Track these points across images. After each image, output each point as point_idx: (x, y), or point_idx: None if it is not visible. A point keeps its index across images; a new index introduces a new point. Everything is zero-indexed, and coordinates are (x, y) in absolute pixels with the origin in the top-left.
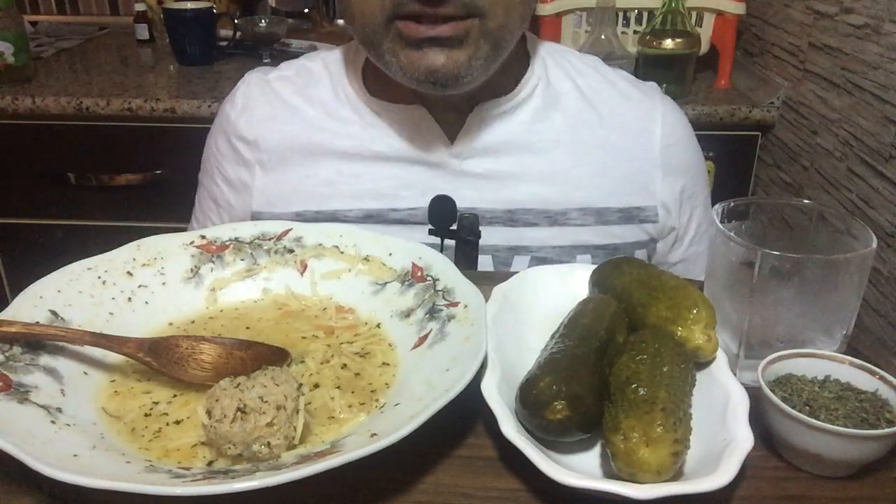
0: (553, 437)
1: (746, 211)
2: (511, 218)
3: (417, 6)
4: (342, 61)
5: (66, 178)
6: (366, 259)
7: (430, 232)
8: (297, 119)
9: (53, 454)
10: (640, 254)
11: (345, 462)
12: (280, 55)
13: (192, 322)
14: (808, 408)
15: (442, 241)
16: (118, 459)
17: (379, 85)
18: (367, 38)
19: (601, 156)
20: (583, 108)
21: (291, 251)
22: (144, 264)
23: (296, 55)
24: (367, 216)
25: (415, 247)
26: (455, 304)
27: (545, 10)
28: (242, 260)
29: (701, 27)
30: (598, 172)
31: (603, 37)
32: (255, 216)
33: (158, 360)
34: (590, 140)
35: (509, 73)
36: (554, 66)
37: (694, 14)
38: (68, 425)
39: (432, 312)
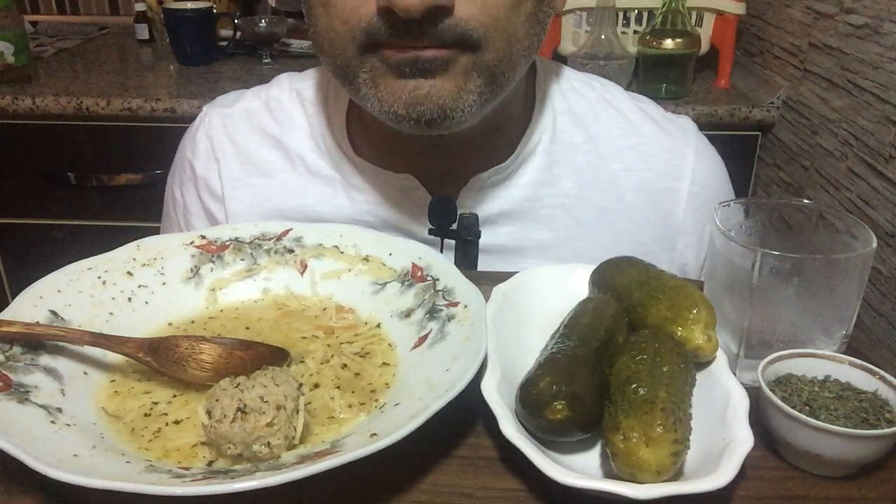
0: (553, 437)
1: (746, 211)
2: None
3: (394, 38)
4: (320, 100)
5: (66, 178)
6: (366, 259)
7: (430, 232)
8: (272, 179)
9: (53, 454)
10: None
11: (345, 462)
12: (280, 55)
13: (192, 322)
14: (808, 408)
15: (442, 241)
16: (118, 459)
17: (365, 143)
18: (339, 71)
19: (612, 221)
20: (594, 164)
21: (291, 251)
22: (144, 264)
23: (296, 55)
24: None
25: (415, 247)
26: (455, 304)
27: None
28: (242, 260)
29: (701, 27)
30: (607, 242)
31: (603, 37)
32: None
33: (158, 360)
34: (600, 203)
35: (510, 133)
36: (564, 113)
37: (694, 14)
38: (68, 425)
39: (432, 312)
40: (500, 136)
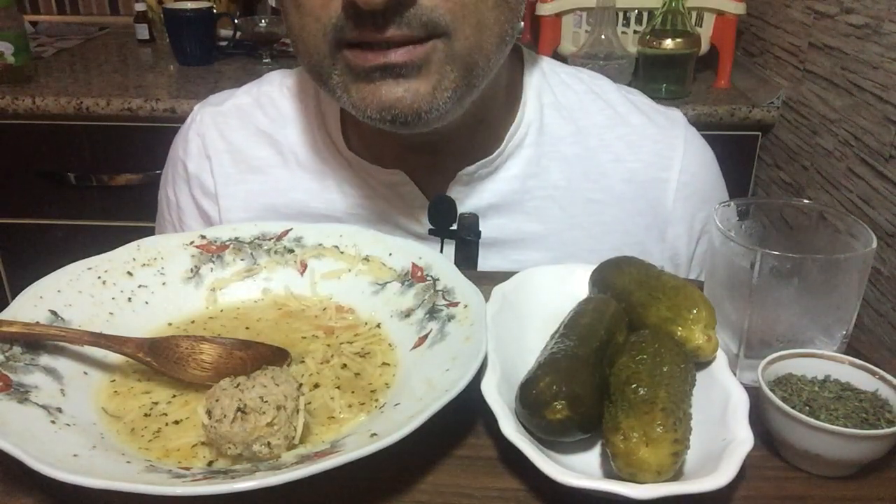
0: (553, 437)
1: (746, 211)
2: None
3: (362, 31)
4: (313, 96)
5: (66, 178)
6: (366, 259)
7: (430, 232)
8: (265, 175)
9: (53, 454)
10: None
11: (345, 462)
12: (280, 55)
13: (192, 322)
14: (808, 408)
15: (442, 241)
16: (118, 459)
17: (356, 138)
18: (314, 71)
19: (601, 212)
20: (583, 156)
21: (291, 251)
22: (144, 264)
23: (295, 55)
24: None
25: (415, 247)
26: (455, 304)
27: (545, 10)
28: (242, 260)
29: (701, 27)
30: (597, 233)
31: (603, 37)
32: None
33: (158, 360)
34: (589, 194)
35: (497, 125)
36: (552, 106)
37: (694, 14)
38: (68, 425)
39: (432, 312)
40: (485, 130)
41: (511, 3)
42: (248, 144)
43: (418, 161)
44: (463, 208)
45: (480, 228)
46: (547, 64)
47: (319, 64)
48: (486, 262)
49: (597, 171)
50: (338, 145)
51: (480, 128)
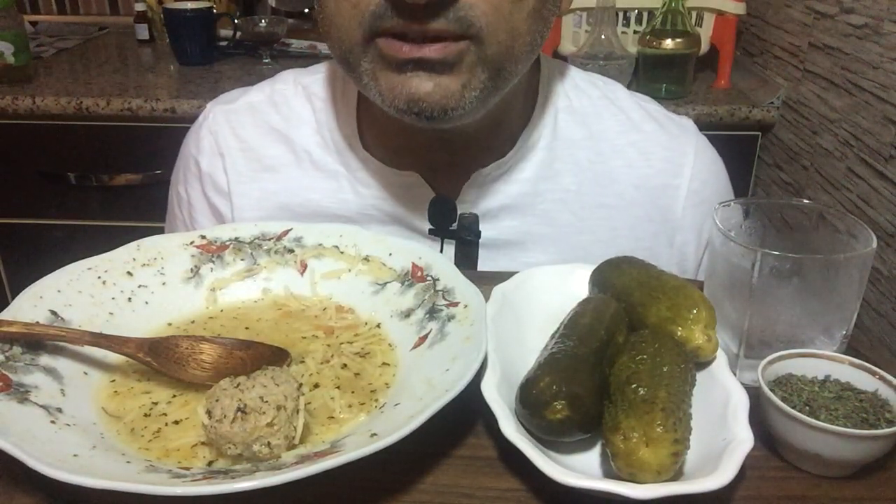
0: (553, 437)
1: (746, 211)
2: None
3: (401, 21)
4: (328, 95)
5: (66, 178)
6: (366, 259)
7: (430, 232)
8: (278, 174)
9: (53, 454)
10: None
11: (345, 462)
12: (280, 55)
13: (192, 322)
14: (808, 408)
15: (442, 241)
16: (118, 459)
17: (373, 137)
18: (343, 58)
19: (611, 216)
20: (595, 160)
21: (291, 251)
22: (144, 264)
23: (296, 55)
24: None
25: (415, 247)
26: (455, 304)
27: None
28: (242, 260)
29: (701, 27)
30: (606, 237)
31: (603, 37)
32: None
33: (158, 360)
34: (599, 198)
35: (512, 128)
36: (566, 110)
37: (694, 14)
38: (68, 425)
39: (432, 312)
40: (501, 131)
41: (544, 14)
42: (261, 143)
43: (433, 161)
44: (474, 209)
45: (491, 229)
46: (563, 68)
47: (350, 50)
48: (495, 263)
49: (608, 176)
50: (352, 146)
51: (497, 129)
